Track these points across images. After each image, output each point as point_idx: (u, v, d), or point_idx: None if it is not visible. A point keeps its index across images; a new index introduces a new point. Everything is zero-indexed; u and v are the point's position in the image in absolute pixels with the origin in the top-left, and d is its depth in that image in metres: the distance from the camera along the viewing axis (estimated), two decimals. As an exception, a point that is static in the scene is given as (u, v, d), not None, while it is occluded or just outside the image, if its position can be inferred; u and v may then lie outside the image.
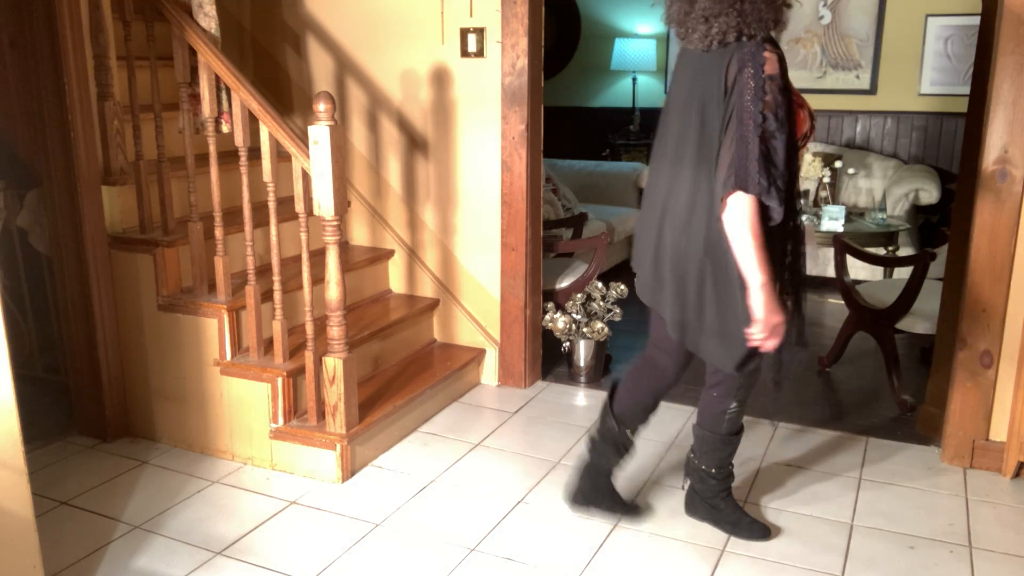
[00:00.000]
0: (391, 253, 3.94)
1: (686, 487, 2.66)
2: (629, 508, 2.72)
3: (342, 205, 2.76)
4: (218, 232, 3.04)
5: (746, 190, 1.99)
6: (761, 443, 3.23)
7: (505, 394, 3.75)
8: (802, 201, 5.04)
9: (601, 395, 3.72)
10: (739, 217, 2.01)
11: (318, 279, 3.00)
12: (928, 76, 5.98)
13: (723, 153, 2.04)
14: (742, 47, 2.03)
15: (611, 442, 2.61)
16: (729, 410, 2.42)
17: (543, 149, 3.71)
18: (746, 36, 2.04)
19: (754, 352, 2.18)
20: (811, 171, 5.55)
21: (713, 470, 2.53)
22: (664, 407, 3.59)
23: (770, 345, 2.10)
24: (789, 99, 2.07)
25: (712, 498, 2.58)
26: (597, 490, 2.66)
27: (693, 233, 2.13)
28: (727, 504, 2.59)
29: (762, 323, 2.07)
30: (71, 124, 2.99)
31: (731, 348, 2.19)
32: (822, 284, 5.43)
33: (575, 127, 7.50)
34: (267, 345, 3.13)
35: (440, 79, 3.67)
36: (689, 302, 2.19)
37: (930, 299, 3.55)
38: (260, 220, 3.08)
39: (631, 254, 2.44)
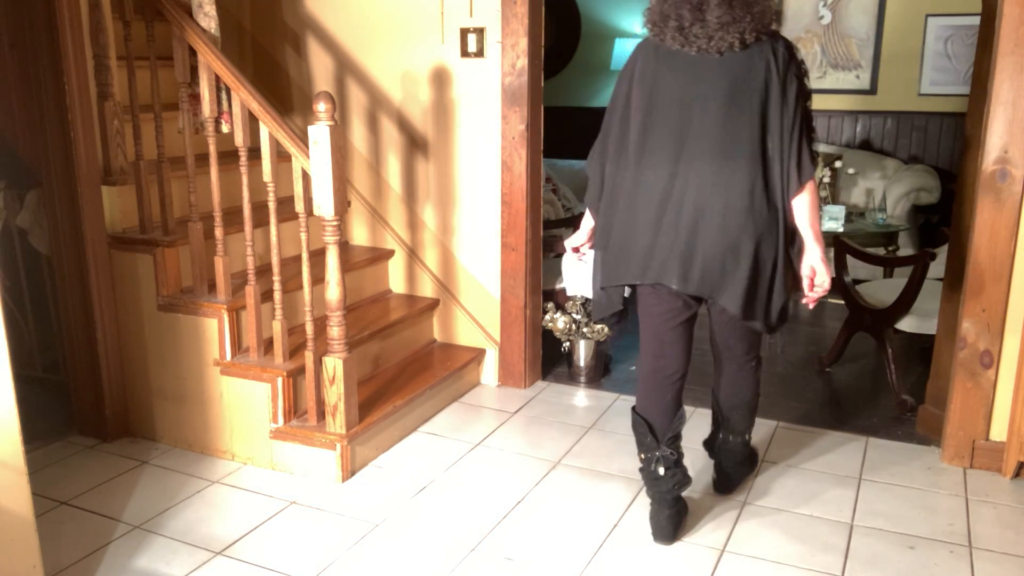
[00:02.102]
0: (391, 253, 3.94)
1: (722, 476, 2.86)
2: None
3: (342, 205, 2.76)
4: (218, 232, 3.04)
5: (812, 175, 2.32)
6: (761, 443, 3.22)
7: (505, 394, 3.75)
8: None
9: (601, 395, 3.73)
10: (814, 196, 2.32)
11: (318, 279, 3.00)
12: (928, 76, 5.97)
13: (796, 143, 2.27)
14: (777, 40, 2.27)
15: (673, 466, 2.55)
16: (760, 367, 2.69)
17: (543, 149, 3.72)
18: (764, 34, 2.25)
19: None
20: (811, 171, 5.54)
21: (752, 428, 2.80)
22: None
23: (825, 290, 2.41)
24: None
25: (744, 452, 2.85)
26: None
27: (757, 220, 2.27)
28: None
29: (828, 277, 2.38)
30: (71, 124, 2.99)
31: (784, 310, 2.42)
32: (822, 284, 5.42)
33: (575, 127, 7.50)
34: (267, 345, 3.13)
35: (440, 79, 3.67)
36: (762, 282, 2.33)
37: (930, 299, 3.55)
38: (260, 220, 3.08)
39: (643, 261, 2.35)
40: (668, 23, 2.26)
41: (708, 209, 2.27)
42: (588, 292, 2.66)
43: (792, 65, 2.27)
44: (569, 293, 2.79)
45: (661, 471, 2.53)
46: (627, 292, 2.50)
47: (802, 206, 2.31)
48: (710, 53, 2.25)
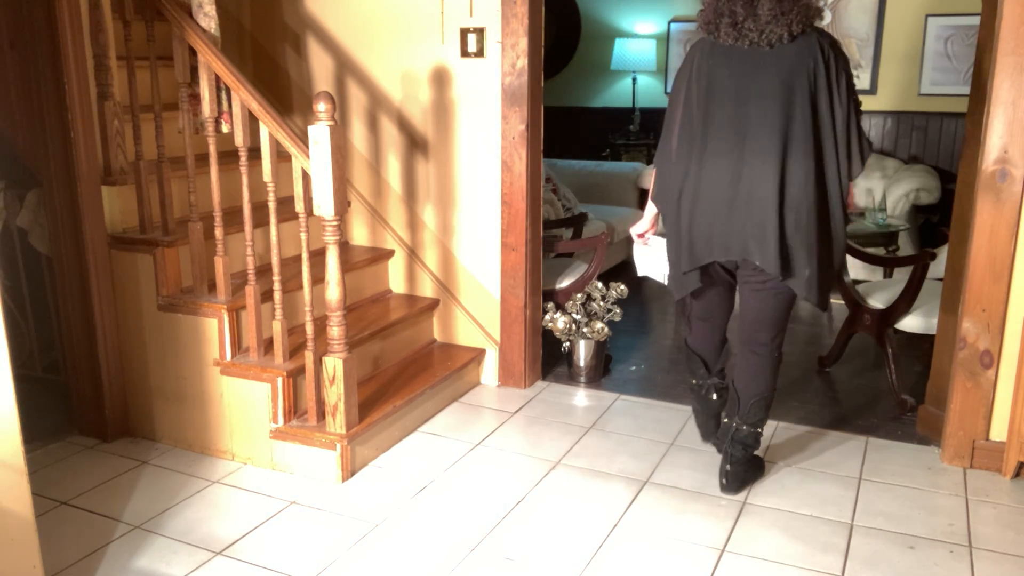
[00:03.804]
0: (391, 253, 3.94)
1: (728, 469, 2.88)
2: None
3: (342, 205, 2.76)
4: (218, 232, 3.04)
5: (868, 156, 2.55)
6: (761, 443, 3.22)
7: (505, 394, 3.75)
8: None
9: (601, 395, 3.73)
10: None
11: (318, 279, 3.00)
12: (928, 76, 5.98)
13: (854, 130, 2.49)
14: (823, 35, 2.46)
15: (722, 390, 2.99)
16: (781, 360, 2.82)
17: (543, 149, 3.72)
18: (809, 27, 2.44)
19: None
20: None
21: (765, 422, 2.86)
22: (663, 407, 3.61)
23: None
24: None
25: (752, 450, 2.89)
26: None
27: (811, 206, 2.48)
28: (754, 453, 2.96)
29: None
30: (71, 124, 2.99)
31: (829, 288, 2.68)
32: (822, 284, 5.42)
33: (575, 127, 7.50)
34: (267, 345, 3.13)
35: (440, 79, 3.67)
36: (823, 264, 2.56)
37: (930, 299, 3.55)
38: (260, 220, 3.08)
39: (711, 242, 2.60)
40: (722, 20, 2.46)
41: (773, 199, 2.46)
42: (658, 275, 3.01)
43: (840, 60, 2.47)
44: (640, 274, 3.12)
45: (714, 396, 3.01)
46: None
47: (850, 189, 2.61)
48: (761, 46, 2.45)
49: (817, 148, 2.47)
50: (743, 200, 2.51)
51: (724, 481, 2.86)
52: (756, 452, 2.93)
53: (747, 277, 2.67)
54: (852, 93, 2.49)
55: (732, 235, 2.55)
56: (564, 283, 4.07)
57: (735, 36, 2.45)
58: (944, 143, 6.00)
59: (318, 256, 3.03)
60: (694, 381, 3.04)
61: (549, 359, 3.99)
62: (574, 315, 3.78)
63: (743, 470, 2.88)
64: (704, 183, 2.56)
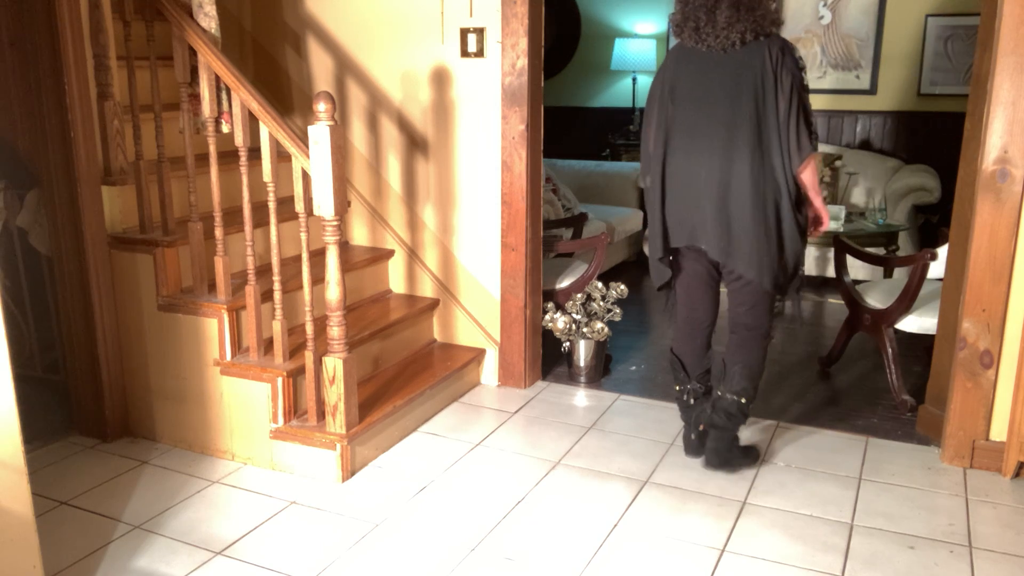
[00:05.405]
0: (391, 253, 3.94)
1: (697, 432, 3.03)
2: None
3: (342, 205, 2.76)
4: (218, 232, 3.04)
5: (815, 150, 2.69)
6: (761, 443, 3.23)
7: (505, 394, 3.75)
8: None
9: (601, 395, 3.73)
10: (814, 168, 2.71)
11: (318, 279, 3.00)
12: (928, 76, 5.98)
13: (793, 126, 2.63)
14: (773, 40, 2.65)
15: (701, 396, 3.02)
16: (768, 340, 2.92)
17: (543, 149, 3.72)
18: (762, 35, 2.64)
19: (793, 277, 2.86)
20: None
21: (749, 396, 2.91)
22: (663, 407, 3.61)
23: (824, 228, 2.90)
24: None
25: (735, 432, 2.97)
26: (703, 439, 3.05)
27: (754, 197, 2.66)
28: (737, 439, 3.03)
29: (826, 218, 2.87)
30: (71, 124, 2.99)
31: (785, 272, 2.80)
32: (822, 284, 5.43)
33: (575, 127, 7.50)
34: (267, 345, 3.13)
35: (440, 79, 3.67)
36: (765, 249, 2.71)
37: (930, 299, 3.55)
38: (260, 220, 3.08)
39: (674, 231, 2.82)
40: (687, 24, 2.70)
41: (719, 191, 2.69)
42: None
43: (787, 60, 2.64)
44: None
45: (692, 401, 3.03)
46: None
47: (806, 177, 2.72)
48: (716, 49, 2.66)
49: (763, 144, 2.66)
50: (694, 192, 2.74)
51: (703, 454, 3.01)
52: (746, 441, 2.98)
53: (723, 269, 2.85)
54: (797, 91, 2.63)
55: (685, 224, 2.80)
56: (564, 283, 4.07)
57: (696, 39, 2.69)
58: (944, 143, 5.99)
59: (318, 256, 3.03)
60: (677, 387, 3.10)
61: (549, 359, 3.99)
62: (574, 315, 3.78)
63: (725, 447, 2.95)
64: (666, 178, 2.81)
